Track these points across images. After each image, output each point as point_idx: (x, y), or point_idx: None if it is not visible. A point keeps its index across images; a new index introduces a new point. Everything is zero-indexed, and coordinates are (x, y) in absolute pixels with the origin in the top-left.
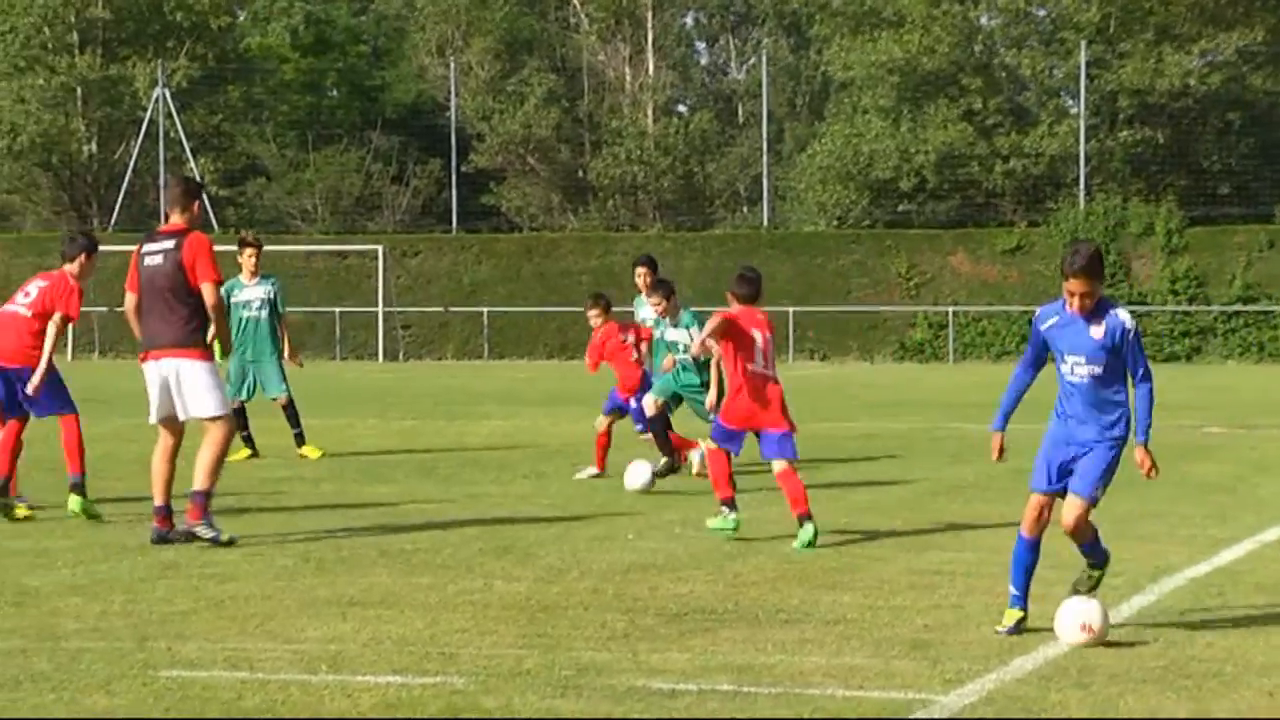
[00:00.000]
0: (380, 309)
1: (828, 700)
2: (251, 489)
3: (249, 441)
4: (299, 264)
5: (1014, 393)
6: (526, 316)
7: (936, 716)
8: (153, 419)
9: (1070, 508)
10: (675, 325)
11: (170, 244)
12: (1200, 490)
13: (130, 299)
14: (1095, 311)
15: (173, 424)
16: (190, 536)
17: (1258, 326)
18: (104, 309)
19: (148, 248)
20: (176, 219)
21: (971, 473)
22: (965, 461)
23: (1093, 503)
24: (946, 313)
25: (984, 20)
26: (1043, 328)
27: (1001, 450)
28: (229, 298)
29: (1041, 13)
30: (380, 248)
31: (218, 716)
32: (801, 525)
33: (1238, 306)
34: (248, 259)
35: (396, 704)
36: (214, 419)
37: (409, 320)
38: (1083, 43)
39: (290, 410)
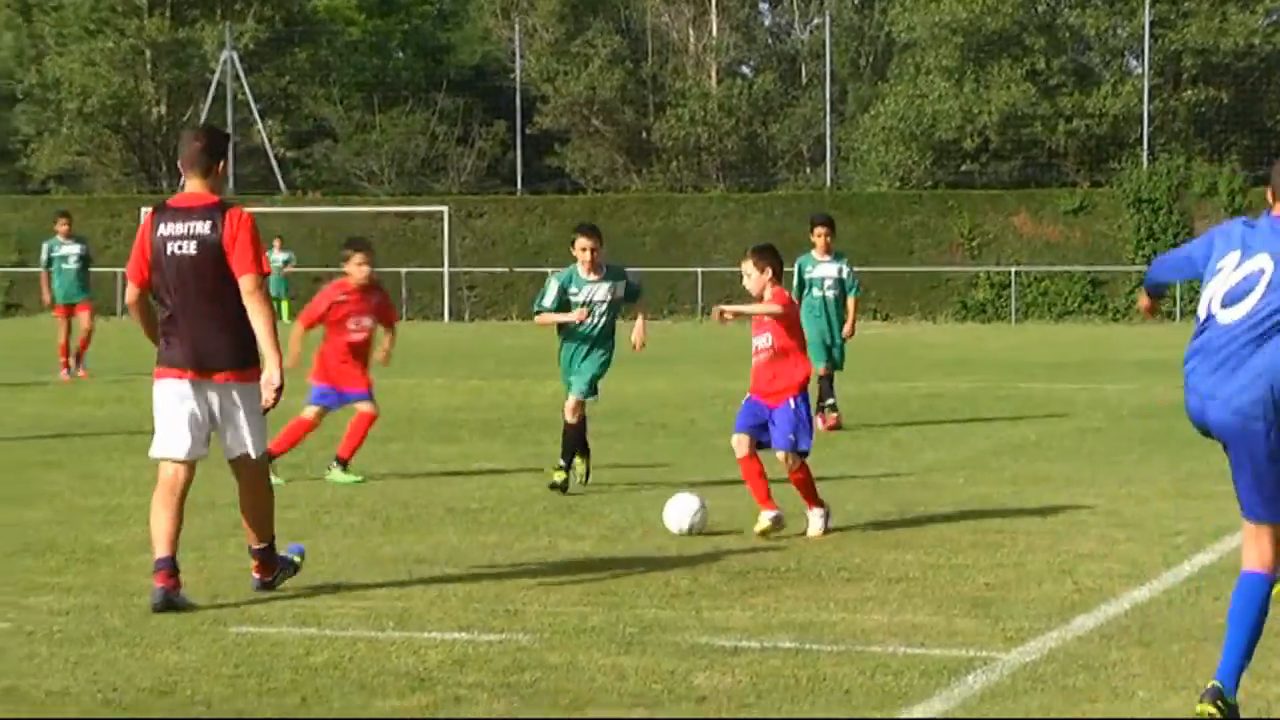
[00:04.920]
0: (446, 269)
1: (889, 658)
2: (319, 448)
3: None
4: (365, 225)
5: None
6: None
7: (998, 674)
8: (167, 454)
9: None
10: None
11: (205, 225)
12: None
13: (133, 291)
14: None
15: (192, 464)
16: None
17: None
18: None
19: (169, 228)
20: (197, 185)
21: (1034, 432)
22: (1028, 421)
23: None
24: (1009, 273)
25: None
26: None
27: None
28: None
29: None
30: (445, 209)
31: (287, 671)
32: None
33: None
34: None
35: (463, 660)
36: (257, 458)
37: (474, 281)
38: (1147, 2)
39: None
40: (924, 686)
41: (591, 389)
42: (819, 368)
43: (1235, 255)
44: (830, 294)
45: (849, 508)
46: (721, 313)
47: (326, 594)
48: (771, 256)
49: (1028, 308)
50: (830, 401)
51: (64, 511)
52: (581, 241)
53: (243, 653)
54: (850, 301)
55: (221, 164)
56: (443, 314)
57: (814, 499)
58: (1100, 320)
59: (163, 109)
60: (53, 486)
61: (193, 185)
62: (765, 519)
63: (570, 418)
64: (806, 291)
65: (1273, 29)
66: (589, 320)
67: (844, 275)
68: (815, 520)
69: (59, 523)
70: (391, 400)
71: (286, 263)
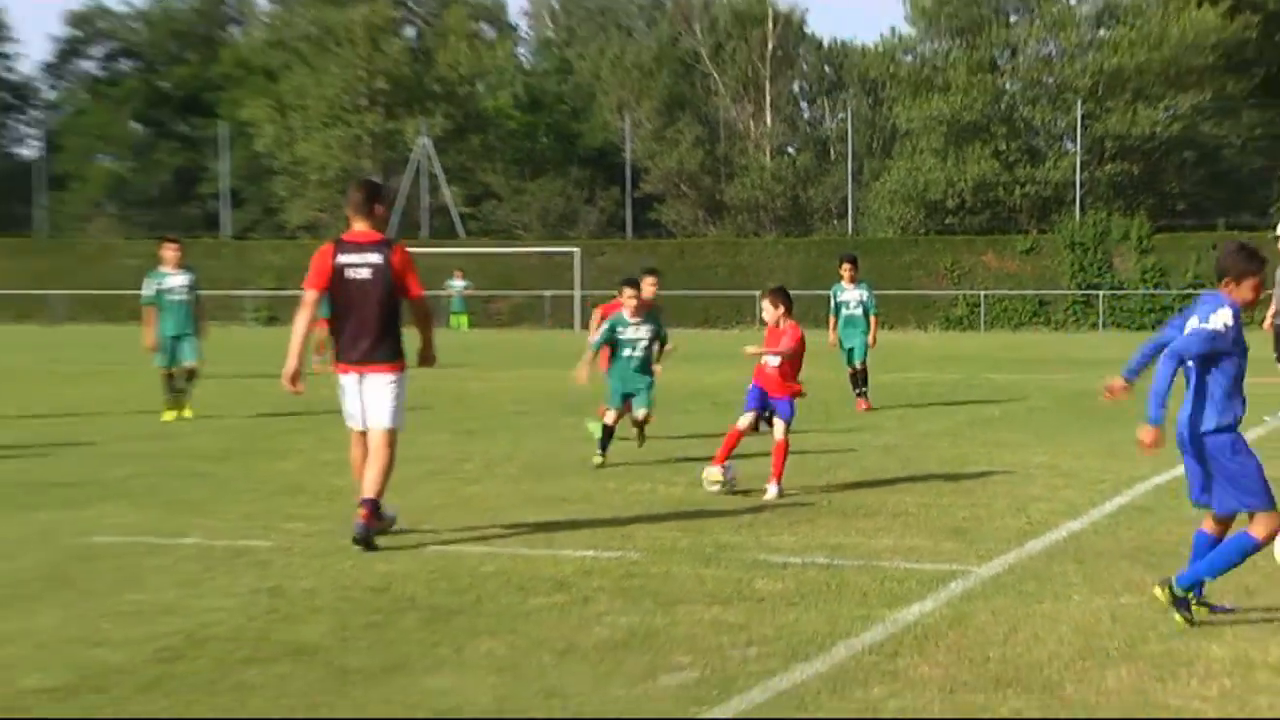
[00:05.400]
0: (577, 293)
1: (895, 570)
2: (489, 419)
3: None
4: (521, 260)
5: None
6: (679, 299)
7: (972, 581)
8: (349, 425)
9: None
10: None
11: (378, 257)
12: (1168, 422)
13: (313, 295)
14: None
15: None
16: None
17: None
18: None
19: (346, 259)
20: (362, 225)
21: (998, 410)
22: (993, 401)
23: None
24: (979, 295)
25: (1008, 85)
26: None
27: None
28: (159, 285)
29: (1049, 79)
30: (577, 250)
31: (466, 577)
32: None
33: (1190, 291)
34: (171, 253)
35: (591, 570)
36: (390, 430)
37: (596, 301)
38: (1079, 101)
39: (193, 376)
40: (920, 590)
41: (622, 404)
42: (848, 366)
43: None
44: (856, 312)
45: (866, 464)
46: (749, 353)
47: (494, 524)
48: (784, 296)
49: (993, 320)
50: (859, 390)
51: (309, 464)
52: (628, 291)
53: (435, 563)
54: (872, 319)
55: (378, 207)
56: (574, 325)
57: (780, 473)
58: (1046, 329)
59: (377, 179)
60: (301, 445)
61: (359, 225)
62: (716, 472)
63: (610, 422)
64: (838, 311)
65: (1170, 120)
66: (634, 354)
67: (865, 298)
68: (772, 489)
69: (306, 471)
70: (537, 387)
71: (466, 288)
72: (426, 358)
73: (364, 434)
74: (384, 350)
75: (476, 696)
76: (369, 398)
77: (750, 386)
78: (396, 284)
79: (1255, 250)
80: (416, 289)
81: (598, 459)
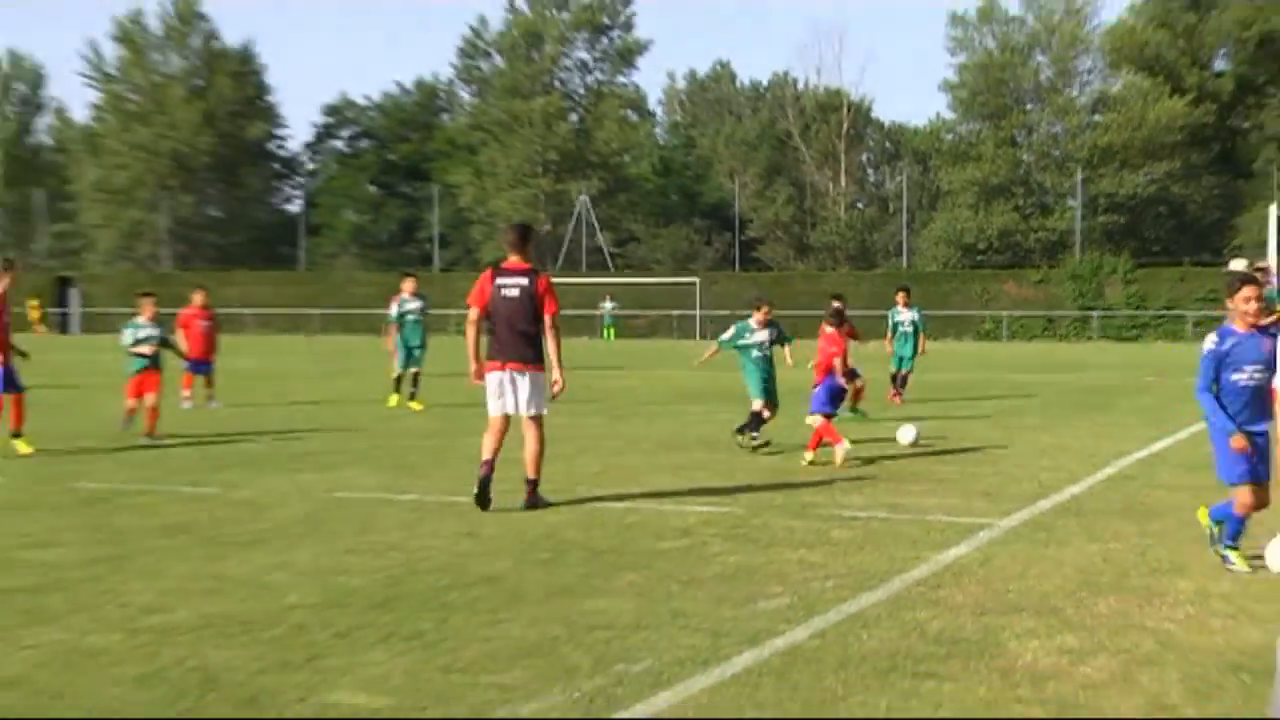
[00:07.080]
0: (697, 313)
1: (938, 522)
2: (631, 407)
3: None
4: (655, 288)
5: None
6: (775, 318)
7: (997, 531)
8: (491, 412)
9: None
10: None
11: (525, 281)
12: (1144, 410)
13: (475, 313)
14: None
15: (506, 418)
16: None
17: (1173, 322)
18: None
19: (502, 281)
20: (516, 258)
21: (1017, 402)
22: (1013, 397)
23: None
24: (1002, 315)
25: (1024, 156)
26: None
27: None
28: (401, 308)
29: (1056, 152)
30: (697, 280)
31: (613, 526)
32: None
33: (1163, 311)
34: (411, 283)
35: (707, 521)
36: (539, 416)
37: (714, 319)
38: (1079, 168)
39: (418, 378)
40: (956, 538)
41: (773, 399)
42: (894, 369)
43: None
44: (909, 330)
45: (914, 442)
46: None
47: (633, 485)
48: (839, 316)
49: (1013, 334)
50: (897, 389)
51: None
52: (761, 306)
53: (589, 516)
54: (921, 336)
55: (528, 245)
56: (695, 337)
57: (834, 438)
58: (1052, 341)
59: (549, 226)
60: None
61: (514, 257)
62: (842, 450)
63: (758, 409)
64: (895, 329)
65: (1148, 183)
66: (760, 354)
67: (917, 319)
68: (839, 449)
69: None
70: (670, 382)
71: (614, 308)
72: (554, 381)
73: (504, 419)
74: (530, 353)
75: (621, 614)
76: (521, 392)
77: (816, 390)
78: (538, 302)
79: (1242, 273)
80: (552, 308)
81: (755, 441)
